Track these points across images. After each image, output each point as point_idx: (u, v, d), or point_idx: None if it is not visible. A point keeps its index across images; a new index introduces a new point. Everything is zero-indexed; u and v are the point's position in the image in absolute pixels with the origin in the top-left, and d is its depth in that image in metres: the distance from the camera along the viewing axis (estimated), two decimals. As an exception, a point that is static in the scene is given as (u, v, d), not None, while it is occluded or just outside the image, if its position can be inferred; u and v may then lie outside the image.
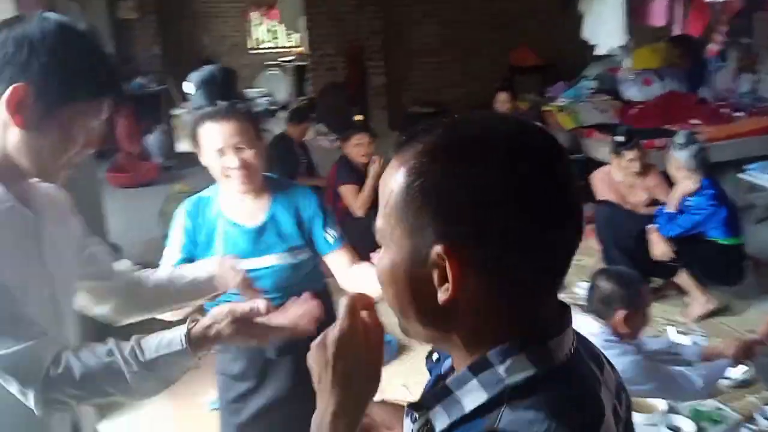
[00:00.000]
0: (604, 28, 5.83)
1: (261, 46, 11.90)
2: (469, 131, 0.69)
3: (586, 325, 2.21)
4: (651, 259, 3.78)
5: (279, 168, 4.98)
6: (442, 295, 0.65)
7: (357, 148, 4.30)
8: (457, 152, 0.65)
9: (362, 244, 4.21)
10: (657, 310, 3.51)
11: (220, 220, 1.82)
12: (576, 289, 3.89)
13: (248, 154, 1.73)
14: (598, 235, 4.08)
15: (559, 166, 0.66)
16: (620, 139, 4.14)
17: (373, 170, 4.17)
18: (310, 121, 5.60)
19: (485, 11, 8.29)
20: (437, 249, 0.63)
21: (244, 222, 1.82)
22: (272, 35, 12.05)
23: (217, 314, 1.19)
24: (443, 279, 0.64)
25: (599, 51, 6.02)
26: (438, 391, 0.69)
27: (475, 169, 0.64)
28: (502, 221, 0.63)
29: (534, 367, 0.66)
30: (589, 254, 4.29)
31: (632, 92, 6.30)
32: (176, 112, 8.22)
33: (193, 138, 1.77)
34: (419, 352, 3.38)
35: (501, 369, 0.66)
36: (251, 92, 10.88)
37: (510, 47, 8.37)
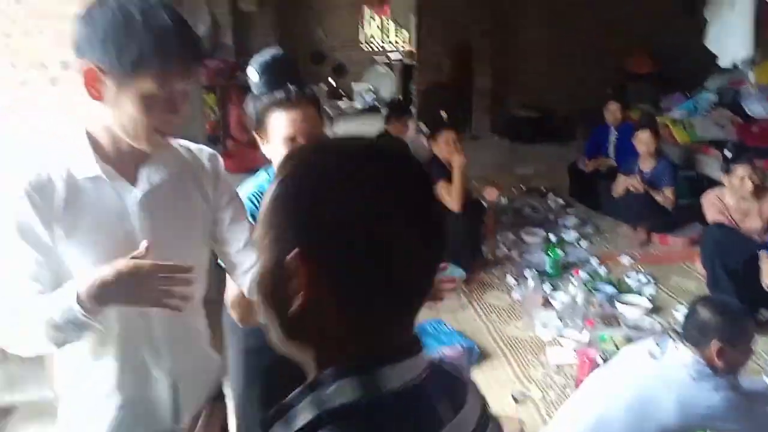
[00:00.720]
0: (730, 38, 5.49)
1: (371, 42, 12.06)
2: (331, 152, 0.72)
3: (678, 353, 2.10)
4: (762, 289, 3.53)
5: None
6: (293, 305, 0.67)
7: (445, 145, 4.29)
8: (318, 170, 0.69)
9: (453, 241, 4.22)
10: (764, 345, 3.28)
11: None
12: (674, 312, 3.71)
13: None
14: (703, 259, 3.86)
15: (410, 191, 0.69)
16: (729, 153, 3.90)
17: (456, 164, 4.15)
18: (408, 118, 5.63)
19: (600, 15, 7.99)
20: (291, 257, 0.66)
21: None
22: (383, 32, 12.18)
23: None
24: (296, 288, 0.66)
25: (722, 62, 5.67)
26: (281, 406, 0.69)
27: (328, 187, 0.67)
28: (347, 238, 0.65)
29: (359, 392, 0.66)
30: (691, 277, 4.07)
31: (755, 109, 5.88)
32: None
33: (259, 126, 1.70)
34: (498, 360, 3.35)
35: (328, 390, 0.66)
36: (358, 87, 11.08)
37: (624, 53, 8.03)
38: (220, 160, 1.44)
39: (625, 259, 4.61)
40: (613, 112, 5.72)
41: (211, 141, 6.27)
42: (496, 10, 8.22)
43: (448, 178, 4.25)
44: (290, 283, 0.67)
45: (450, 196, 4.18)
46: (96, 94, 1.17)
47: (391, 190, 0.68)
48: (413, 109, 8.87)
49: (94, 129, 1.24)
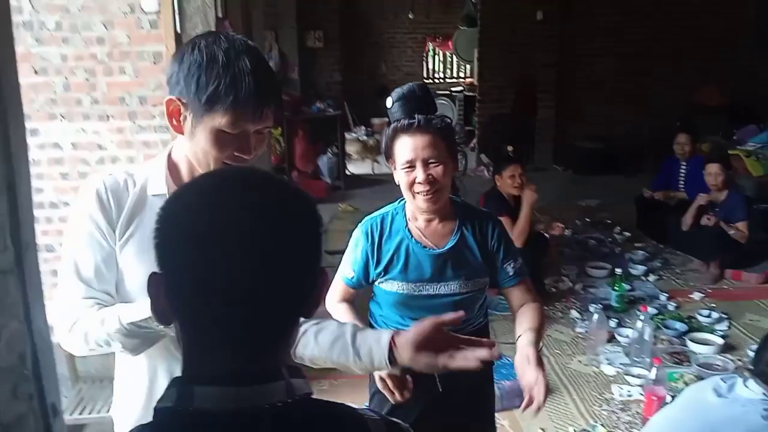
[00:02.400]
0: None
1: (434, 76, 12.19)
2: (188, 185, 0.82)
3: (747, 391, 2.00)
4: None
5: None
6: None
7: (511, 179, 4.27)
8: (169, 200, 0.80)
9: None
10: None
11: (405, 240, 1.79)
12: (748, 351, 3.54)
13: (437, 169, 1.69)
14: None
15: (232, 223, 0.71)
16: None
17: (528, 200, 4.13)
18: (462, 150, 5.64)
19: (668, 48, 7.84)
20: (153, 273, 0.76)
21: (430, 244, 1.78)
22: (446, 65, 12.30)
23: None
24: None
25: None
26: None
27: (165, 214, 0.76)
28: (171, 263, 0.74)
29: (173, 401, 0.72)
30: (767, 315, 3.88)
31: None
32: (349, 136, 8.68)
33: (388, 151, 1.76)
34: (560, 395, 3.26)
35: (164, 391, 0.74)
36: (421, 120, 11.19)
37: (693, 86, 7.82)
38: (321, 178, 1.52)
39: (697, 295, 4.44)
40: (682, 144, 5.56)
41: (277, 172, 6.45)
42: (560, 42, 8.19)
43: (510, 213, 4.21)
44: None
45: (514, 232, 4.14)
46: (176, 125, 1.26)
47: (213, 220, 0.72)
48: (474, 141, 8.89)
49: (176, 155, 1.34)
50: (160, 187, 1.31)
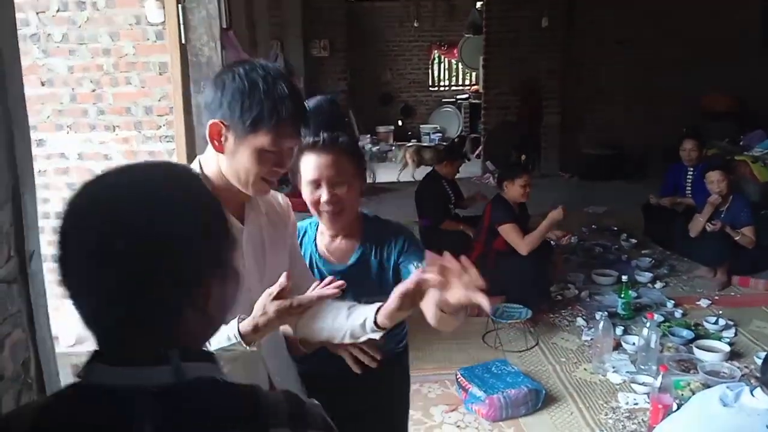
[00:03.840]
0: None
1: (440, 84, 12.23)
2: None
3: (753, 400, 2.00)
4: None
5: (427, 207, 5.09)
6: None
7: (521, 188, 4.27)
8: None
9: (519, 280, 4.18)
10: None
11: (313, 254, 1.80)
12: (755, 358, 3.52)
13: (341, 189, 1.68)
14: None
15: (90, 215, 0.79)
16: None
17: (552, 218, 4.09)
18: (463, 159, 5.63)
19: (675, 54, 7.83)
20: None
21: (332, 261, 1.78)
22: (451, 73, 12.33)
23: (258, 308, 1.32)
24: None
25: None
26: None
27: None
28: (63, 241, 0.82)
29: (79, 374, 0.78)
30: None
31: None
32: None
33: (294, 169, 1.72)
34: (566, 404, 3.25)
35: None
36: (425, 127, 11.21)
37: (701, 91, 7.80)
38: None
39: (703, 302, 4.42)
40: (688, 150, 5.54)
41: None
42: (565, 49, 8.20)
43: (515, 220, 4.21)
44: None
45: (520, 238, 4.14)
46: (218, 145, 1.35)
47: (91, 197, 0.81)
48: (480, 148, 8.89)
49: (208, 170, 1.41)
50: None
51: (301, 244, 1.80)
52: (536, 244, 4.11)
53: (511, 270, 4.06)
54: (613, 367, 3.54)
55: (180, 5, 3.20)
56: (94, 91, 3.73)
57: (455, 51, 11.22)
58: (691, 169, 5.57)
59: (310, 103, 1.77)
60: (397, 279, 1.73)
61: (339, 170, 1.68)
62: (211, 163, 1.41)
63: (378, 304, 1.41)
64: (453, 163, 5.21)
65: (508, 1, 8.10)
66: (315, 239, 1.82)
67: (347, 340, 1.47)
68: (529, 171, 4.49)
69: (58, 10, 3.61)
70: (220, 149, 1.36)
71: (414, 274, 1.33)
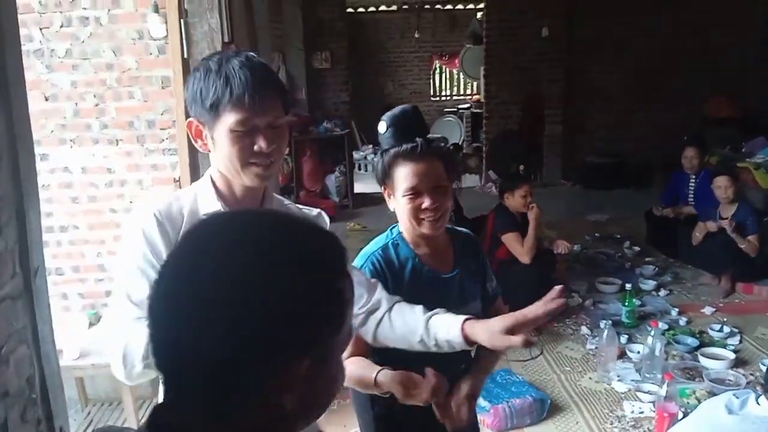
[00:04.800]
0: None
1: (441, 94, 12.26)
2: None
3: (758, 407, 1.99)
4: None
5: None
6: None
7: (522, 198, 4.29)
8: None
9: (523, 290, 4.19)
10: None
11: (418, 268, 1.71)
12: (760, 365, 3.50)
13: (443, 194, 1.65)
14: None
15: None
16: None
17: (533, 219, 4.16)
18: (458, 165, 5.65)
19: (676, 61, 7.85)
20: None
21: (439, 269, 1.73)
22: (452, 83, 12.37)
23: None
24: None
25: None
26: None
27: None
28: None
29: None
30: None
31: None
32: (357, 155, 8.73)
33: (385, 179, 1.68)
34: (571, 413, 3.24)
35: None
36: (429, 136, 11.25)
37: (703, 99, 7.81)
38: (326, 218, 1.53)
39: (708, 310, 4.41)
40: (690, 158, 5.55)
41: (285, 191, 6.49)
42: (566, 58, 8.23)
43: (518, 229, 4.25)
44: None
45: (521, 247, 4.19)
46: (202, 144, 1.34)
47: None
48: (483, 157, 8.90)
49: (213, 173, 1.40)
50: (212, 205, 1.36)
51: (398, 263, 1.71)
52: (532, 247, 4.14)
53: (514, 279, 4.05)
54: (618, 376, 3.53)
55: (183, 20, 3.23)
56: (97, 105, 3.75)
57: (456, 61, 11.26)
58: (693, 176, 5.57)
59: (393, 111, 1.73)
60: (482, 291, 1.80)
61: (439, 176, 1.64)
62: (215, 173, 1.39)
63: (464, 317, 1.37)
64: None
65: (508, 12, 8.13)
66: (413, 250, 1.73)
67: (430, 345, 1.41)
68: (529, 181, 4.51)
69: (61, 26, 3.64)
70: (204, 147, 1.35)
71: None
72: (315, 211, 1.54)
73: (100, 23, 3.67)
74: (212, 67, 1.29)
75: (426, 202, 1.62)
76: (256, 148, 1.30)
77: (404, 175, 1.63)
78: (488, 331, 1.32)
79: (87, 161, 3.74)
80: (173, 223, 1.33)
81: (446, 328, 1.38)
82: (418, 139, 1.62)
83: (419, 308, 1.45)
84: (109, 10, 3.65)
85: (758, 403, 2.04)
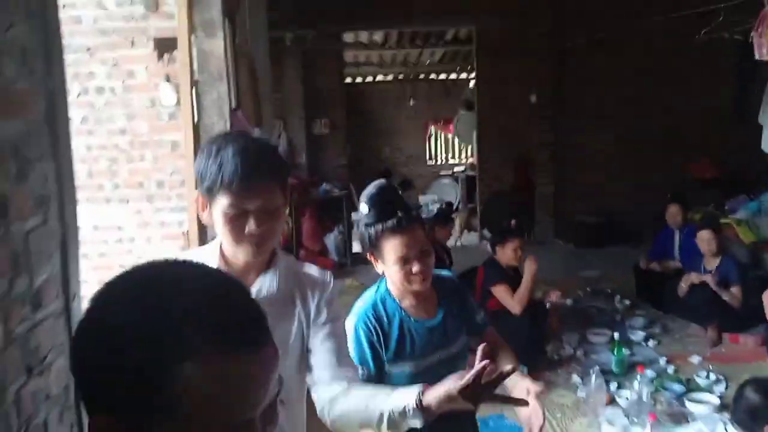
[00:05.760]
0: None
1: (436, 157, 12.65)
2: None
3: (725, 432, 2.14)
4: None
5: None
6: None
7: (513, 252, 4.49)
8: None
9: (515, 339, 4.33)
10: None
11: (404, 321, 1.90)
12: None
13: (428, 259, 1.85)
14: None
15: None
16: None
17: (529, 270, 4.33)
18: (452, 225, 5.93)
19: (659, 125, 8.23)
20: None
21: (425, 317, 1.92)
22: (447, 147, 12.78)
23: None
24: None
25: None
26: None
27: None
28: None
29: None
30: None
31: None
32: (355, 216, 8.99)
33: (373, 250, 1.87)
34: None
35: None
36: (425, 198, 11.55)
37: (686, 160, 8.15)
38: (332, 283, 1.57)
39: (695, 359, 4.54)
40: (673, 215, 5.80)
41: (285, 251, 6.69)
42: (554, 123, 8.60)
43: (508, 282, 4.43)
44: None
45: (512, 298, 4.36)
46: (204, 216, 1.44)
47: None
48: (477, 217, 9.16)
49: (224, 247, 1.47)
50: None
51: (386, 317, 1.89)
52: (525, 299, 4.31)
53: (505, 329, 4.18)
54: (608, 420, 3.64)
55: (194, 88, 3.51)
56: (110, 168, 4.01)
57: (451, 126, 11.70)
58: (678, 232, 5.80)
59: (370, 190, 1.91)
60: (469, 325, 1.98)
61: (422, 241, 1.84)
62: (219, 242, 1.47)
63: (420, 386, 1.40)
64: (444, 227, 5.45)
65: (498, 81, 8.55)
66: (400, 305, 1.93)
67: (384, 426, 1.41)
68: (520, 235, 4.71)
69: (78, 95, 3.93)
70: (206, 220, 1.43)
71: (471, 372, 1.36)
72: (326, 275, 1.58)
73: (115, 93, 3.96)
74: (212, 151, 1.37)
75: (415, 268, 1.82)
76: (246, 230, 1.37)
77: (391, 246, 1.83)
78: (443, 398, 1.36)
79: (98, 219, 3.96)
80: None
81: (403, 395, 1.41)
82: (399, 213, 1.82)
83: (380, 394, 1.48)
84: (123, 80, 3.97)
85: (726, 431, 2.19)
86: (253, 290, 1.45)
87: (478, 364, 1.36)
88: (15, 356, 1.13)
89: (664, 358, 4.54)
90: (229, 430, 0.63)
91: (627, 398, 3.83)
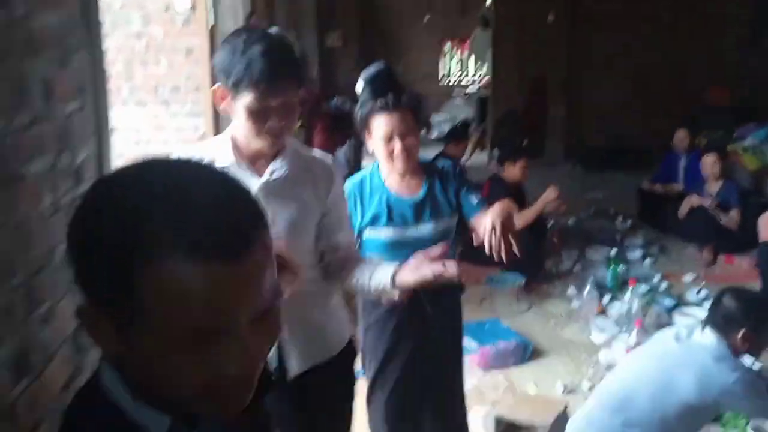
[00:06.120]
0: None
1: (451, 76, 12.52)
2: None
3: (702, 336, 2.31)
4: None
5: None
6: None
7: (520, 169, 4.59)
8: None
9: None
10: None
11: (384, 195, 2.14)
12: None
13: (410, 139, 2.04)
14: (761, 273, 3.97)
15: None
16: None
17: (545, 196, 4.34)
18: (466, 141, 5.99)
19: (673, 50, 8.11)
20: None
21: (406, 195, 2.15)
22: (462, 66, 12.62)
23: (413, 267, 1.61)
24: None
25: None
26: None
27: None
28: None
29: None
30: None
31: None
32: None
33: (364, 127, 2.09)
34: (552, 357, 3.58)
35: None
36: (437, 117, 11.53)
37: (702, 84, 8.07)
38: (337, 168, 1.77)
39: (688, 277, 4.72)
40: (681, 139, 5.86)
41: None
42: (570, 43, 8.48)
43: (513, 197, 4.52)
44: None
45: (519, 217, 4.42)
46: (224, 108, 1.56)
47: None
48: (488, 137, 9.20)
49: (233, 132, 1.61)
50: (229, 159, 1.56)
51: (369, 190, 2.14)
52: (529, 220, 4.42)
53: (506, 241, 4.38)
54: (598, 328, 3.86)
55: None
56: (126, 70, 4.09)
57: (466, 45, 11.52)
58: (684, 156, 5.87)
59: (369, 71, 2.09)
60: (458, 204, 2.16)
61: (406, 124, 2.02)
62: (236, 130, 1.59)
63: (393, 267, 1.63)
64: (458, 144, 5.52)
65: (516, -2, 8.39)
66: (384, 183, 2.15)
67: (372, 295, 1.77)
68: (528, 154, 4.79)
69: None
70: (224, 112, 1.55)
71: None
72: (329, 158, 1.78)
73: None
74: (238, 47, 1.46)
75: (397, 147, 2.04)
76: (267, 124, 1.50)
77: (377, 124, 2.04)
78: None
79: (116, 121, 4.08)
80: None
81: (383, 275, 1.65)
82: (389, 94, 2.00)
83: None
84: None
85: (703, 332, 2.36)
86: (266, 174, 1.59)
87: (434, 250, 1.61)
88: (61, 222, 1.28)
89: (659, 275, 4.71)
90: (201, 334, 0.63)
91: (618, 310, 4.03)
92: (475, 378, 3.38)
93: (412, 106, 2.07)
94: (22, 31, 1.19)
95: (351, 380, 1.87)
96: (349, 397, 1.87)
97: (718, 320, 2.35)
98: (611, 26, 8.38)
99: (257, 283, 0.65)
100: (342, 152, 7.99)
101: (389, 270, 1.63)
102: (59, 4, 1.32)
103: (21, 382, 1.18)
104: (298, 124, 7.01)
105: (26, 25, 1.20)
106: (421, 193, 2.16)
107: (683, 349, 2.36)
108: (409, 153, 2.06)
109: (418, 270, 1.57)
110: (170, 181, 0.65)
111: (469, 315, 4.02)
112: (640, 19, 8.22)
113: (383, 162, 2.13)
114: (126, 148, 4.15)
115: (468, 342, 3.53)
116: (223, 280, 0.62)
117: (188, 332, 0.63)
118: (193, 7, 3.88)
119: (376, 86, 2.05)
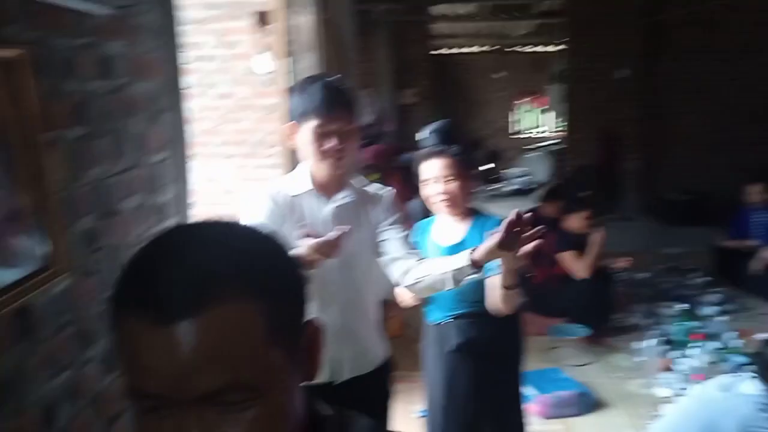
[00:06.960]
0: None
1: (524, 130, 12.65)
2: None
3: (746, 386, 2.30)
4: None
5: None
6: None
7: (584, 221, 4.65)
8: None
9: (580, 303, 4.52)
10: None
11: (429, 239, 2.35)
12: None
13: (452, 185, 2.20)
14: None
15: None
16: None
17: (596, 238, 4.49)
18: (561, 202, 5.95)
19: (757, 103, 7.95)
20: None
21: (442, 241, 2.30)
22: (535, 120, 12.74)
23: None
24: None
25: None
26: None
27: None
28: None
29: None
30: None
31: None
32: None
33: (417, 170, 2.29)
34: (613, 410, 3.55)
35: None
36: (512, 171, 11.63)
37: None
38: (390, 197, 2.03)
39: (763, 335, 4.54)
40: (756, 193, 5.75)
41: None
42: (645, 98, 8.47)
43: (574, 249, 4.60)
44: None
45: (581, 264, 4.53)
46: (289, 141, 1.90)
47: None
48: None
49: (309, 166, 1.92)
50: (307, 186, 1.89)
51: (424, 231, 2.39)
52: (590, 265, 4.46)
53: (571, 293, 4.43)
54: (663, 383, 3.80)
55: (291, 58, 3.94)
56: (215, 127, 4.49)
57: (539, 99, 11.66)
58: (758, 211, 5.74)
59: (434, 125, 2.33)
60: None
61: (449, 170, 2.20)
62: (306, 162, 1.89)
63: (469, 250, 1.84)
64: (551, 204, 5.51)
65: (588, 54, 8.51)
66: (430, 227, 2.37)
67: (450, 281, 1.86)
68: (593, 207, 4.84)
69: (189, 63, 4.41)
70: (292, 146, 1.87)
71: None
72: (384, 191, 2.03)
73: (220, 61, 4.43)
74: (302, 89, 1.84)
75: (437, 189, 2.25)
76: (329, 145, 1.81)
77: (426, 167, 2.24)
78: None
79: (207, 173, 4.46)
80: (277, 199, 1.88)
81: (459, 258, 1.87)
82: (438, 145, 2.24)
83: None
84: (227, 49, 4.41)
85: (749, 384, 2.35)
86: (336, 199, 1.90)
87: (508, 219, 1.74)
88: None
89: (735, 333, 4.57)
90: (147, 398, 0.61)
91: (686, 365, 3.95)
92: (534, 426, 3.40)
93: (458, 155, 2.23)
94: (124, 96, 1.48)
95: (385, 393, 2.09)
96: (383, 408, 2.06)
97: (763, 371, 2.34)
98: (690, 79, 8.31)
99: (202, 356, 0.59)
100: (417, 203, 8.22)
101: (465, 253, 1.83)
102: (151, 74, 1.63)
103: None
104: (376, 176, 7.36)
105: (126, 91, 1.49)
106: (459, 238, 2.29)
107: (727, 400, 2.34)
108: (448, 196, 2.21)
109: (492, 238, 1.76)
110: (167, 242, 0.65)
111: (532, 365, 4.06)
112: (722, 72, 8.13)
113: (429, 203, 2.30)
114: (216, 197, 4.52)
115: (528, 390, 3.57)
116: (158, 344, 0.59)
117: (137, 395, 0.62)
118: (274, 71, 4.26)
119: (436, 136, 2.26)
